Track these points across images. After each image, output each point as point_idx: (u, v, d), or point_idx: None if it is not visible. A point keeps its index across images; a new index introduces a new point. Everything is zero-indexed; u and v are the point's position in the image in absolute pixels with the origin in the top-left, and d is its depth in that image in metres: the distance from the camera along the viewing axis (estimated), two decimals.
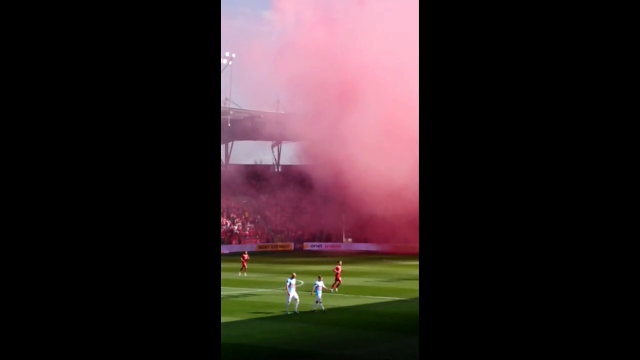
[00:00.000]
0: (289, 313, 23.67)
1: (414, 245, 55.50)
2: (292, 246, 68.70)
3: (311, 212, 65.67)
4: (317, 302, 24.25)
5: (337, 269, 30.93)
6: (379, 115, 53.89)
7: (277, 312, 24.58)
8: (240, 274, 38.62)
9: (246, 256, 40.82)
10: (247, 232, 69.81)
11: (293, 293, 23.89)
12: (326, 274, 28.41)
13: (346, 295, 28.10)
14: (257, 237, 69.49)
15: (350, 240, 68.10)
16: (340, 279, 30.85)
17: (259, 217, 72.32)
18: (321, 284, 24.45)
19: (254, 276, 38.18)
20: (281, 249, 67.10)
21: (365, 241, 64.78)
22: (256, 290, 31.61)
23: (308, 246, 68.33)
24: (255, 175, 72.92)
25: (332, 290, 29.61)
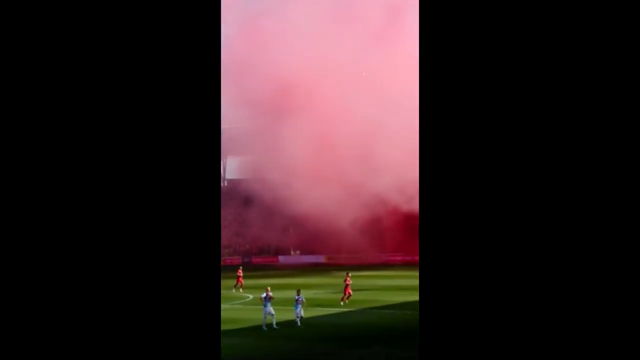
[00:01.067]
0: (265, 329, 23.73)
1: (361, 256, 55.88)
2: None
3: (258, 226, 65.51)
4: (297, 317, 24.38)
5: (347, 281, 30.51)
6: (310, 129, 53.47)
7: (229, 327, 24.58)
8: (234, 290, 37.43)
9: (240, 272, 39.37)
10: None
11: (268, 307, 23.91)
12: (271, 286, 28.17)
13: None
14: None
15: (298, 252, 68.23)
16: (350, 290, 30.43)
17: None
18: (301, 297, 24.69)
19: None
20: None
21: (313, 253, 65.00)
22: None
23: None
24: None
25: (342, 302, 29.67)
